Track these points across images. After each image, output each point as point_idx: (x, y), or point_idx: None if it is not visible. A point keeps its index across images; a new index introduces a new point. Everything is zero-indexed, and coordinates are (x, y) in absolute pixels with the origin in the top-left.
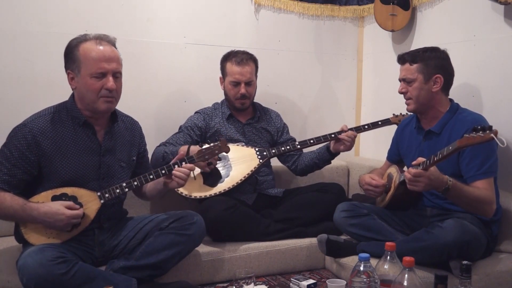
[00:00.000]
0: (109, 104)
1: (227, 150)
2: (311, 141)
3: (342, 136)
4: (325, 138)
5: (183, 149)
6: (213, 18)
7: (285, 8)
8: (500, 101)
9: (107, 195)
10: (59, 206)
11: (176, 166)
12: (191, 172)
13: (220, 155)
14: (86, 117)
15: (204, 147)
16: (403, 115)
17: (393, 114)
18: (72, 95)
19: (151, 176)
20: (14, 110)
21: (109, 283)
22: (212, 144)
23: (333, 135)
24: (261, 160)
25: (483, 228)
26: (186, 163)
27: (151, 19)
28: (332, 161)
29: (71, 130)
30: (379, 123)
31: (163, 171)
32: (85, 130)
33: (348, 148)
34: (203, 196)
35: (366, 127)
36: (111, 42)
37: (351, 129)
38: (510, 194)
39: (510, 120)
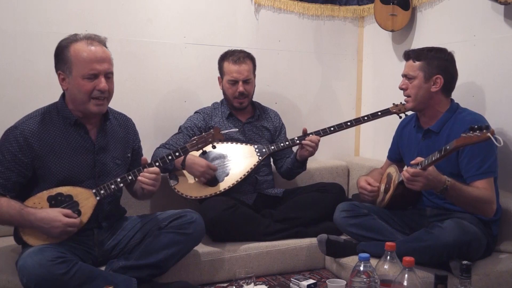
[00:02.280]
0: (100, 107)
1: (221, 138)
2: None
3: (305, 141)
4: (324, 132)
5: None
6: (213, 18)
7: (285, 8)
8: (500, 101)
9: (102, 192)
10: (56, 213)
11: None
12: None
13: (219, 154)
14: (77, 117)
15: (197, 136)
16: (403, 104)
17: (393, 104)
18: (62, 96)
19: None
20: (13, 110)
21: (109, 283)
22: (205, 133)
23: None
24: (260, 157)
25: (483, 228)
26: (152, 166)
27: (151, 19)
28: (332, 161)
29: (62, 130)
30: (379, 113)
31: (157, 164)
32: (77, 129)
33: (311, 153)
34: (203, 196)
35: (366, 118)
36: (102, 42)
37: (312, 133)
38: (510, 194)
39: (510, 120)
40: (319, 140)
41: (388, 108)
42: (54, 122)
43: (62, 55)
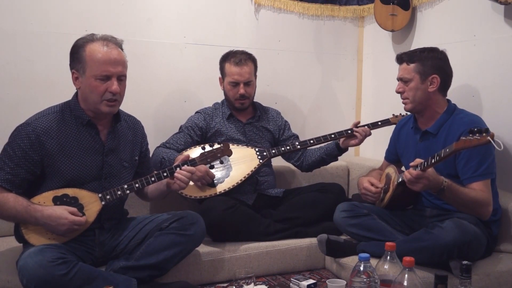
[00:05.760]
0: (111, 108)
1: (230, 154)
2: (311, 141)
3: (358, 129)
4: (325, 138)
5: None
6: (213, 18)
7: (285, 8)
8: (500, 101)
9: (108, 197)
10: (63, 211)
11: (178, 168)
12: None
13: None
14: (89, 117)
15: (206, 150)
16: (403, 115)
17: (393, 115)
18: (75, 95)
19: (153, 179)
20: (14, 109)
21: (109, 283)
22: (214, 148)
23: (333, 135)
24: (261, 160)
25: (483, 228)
26: (188, 165)
27: (151, 19)
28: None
29: (74, 129)
30: (379, 123)
31: (165, 174)
32: (89, 129)
33: (359, 142)
34: (203, 197)
35: (365, 127)
36: (118, 45)
37: (364, 125)
38: (510, 194)
39: (509, 120)
40: (370, 133)
41: (389, 119)
42: (67, 121)
43: (77, 54)
